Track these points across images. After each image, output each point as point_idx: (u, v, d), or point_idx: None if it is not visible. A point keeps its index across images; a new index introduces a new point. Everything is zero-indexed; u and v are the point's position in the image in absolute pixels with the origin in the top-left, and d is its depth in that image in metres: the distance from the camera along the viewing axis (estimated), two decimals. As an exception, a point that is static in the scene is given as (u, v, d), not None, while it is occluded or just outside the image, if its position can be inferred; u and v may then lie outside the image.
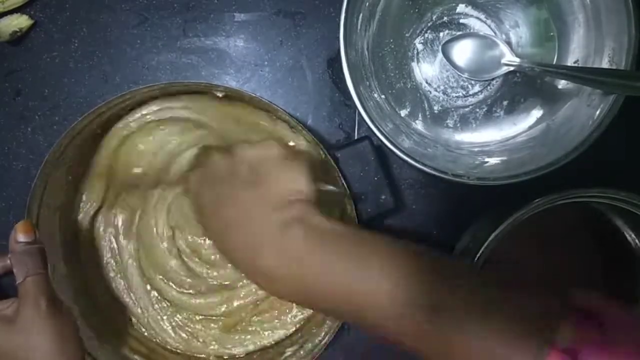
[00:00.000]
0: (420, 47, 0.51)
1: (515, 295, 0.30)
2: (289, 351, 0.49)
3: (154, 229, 0.51)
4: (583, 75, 0.42)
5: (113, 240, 0.51)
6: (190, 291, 0.51)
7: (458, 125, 0.51)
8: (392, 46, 0.51)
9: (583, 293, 0.29)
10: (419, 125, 0.51)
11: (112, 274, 0.52)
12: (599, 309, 0.28)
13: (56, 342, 0.39)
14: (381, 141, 0.43)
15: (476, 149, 0.50)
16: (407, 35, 0.51)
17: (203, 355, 0.51)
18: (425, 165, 0.43)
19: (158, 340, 0.51)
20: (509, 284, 0.32)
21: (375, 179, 0.47)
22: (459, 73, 0.50)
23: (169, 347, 0.51)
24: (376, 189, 0.47)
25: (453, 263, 0.37)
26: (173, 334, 0.51)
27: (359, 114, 0.44)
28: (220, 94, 0.47)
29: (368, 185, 0.47)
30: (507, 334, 0.28)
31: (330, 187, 0.41)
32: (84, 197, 0.51)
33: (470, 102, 0.51)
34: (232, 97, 0.49)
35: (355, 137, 0.52)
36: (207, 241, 0.51)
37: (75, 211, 0.51)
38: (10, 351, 0.39)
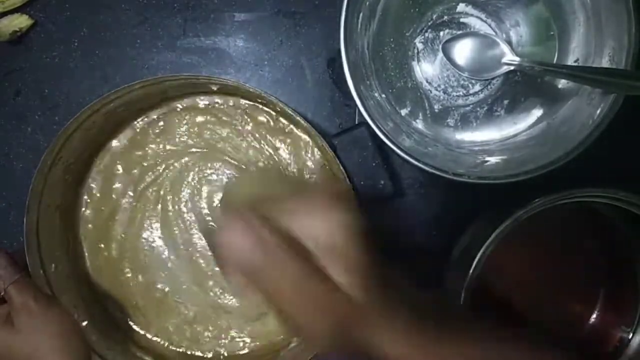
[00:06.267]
0: (420, 46, 0.51)
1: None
2: (295, 341, 0.50)
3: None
4: (583, 74, 0.42)
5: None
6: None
7: (459, 124, 0.51)
8: (393, 45, 0.51)
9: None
10: (419, 124, 0.51)
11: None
12: None
13: (56, 339, 0.40)
14: (382, 140, 0.43)
15: (477, 148, 0.50)
16: (407, 34, 0.51)
17: (210, 355, 0.51)
18: (426, 164, 0.43)
19: (161, 339, 0.52)
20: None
21: (374, 164, 0.47)
22: (459, 72, 0.50)
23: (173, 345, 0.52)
24: (375, 174, 0.47)
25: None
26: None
27: (359, 112, 0.43)
28: (215, 87, 0.47)
29: (367, 171, 0.47)
30: None
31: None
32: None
33: (470, 101, 0.51)
34: (228, 93, 0.49)
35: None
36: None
37: (77, 210, 0.51)
38: (15, 354, 0.39)
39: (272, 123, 0.51)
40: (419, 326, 0.29)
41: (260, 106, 0.51)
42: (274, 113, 0.51)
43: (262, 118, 0.51)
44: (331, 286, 0.26)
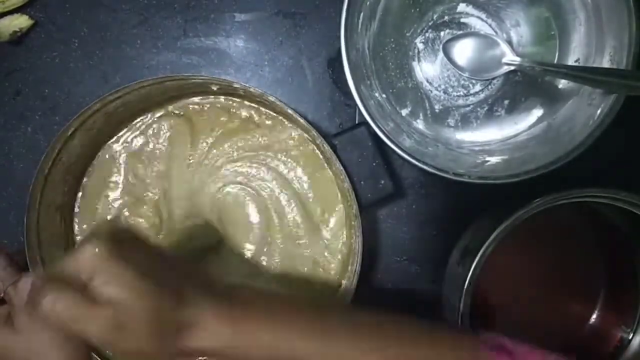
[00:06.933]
0: (421, 46, 0.51)
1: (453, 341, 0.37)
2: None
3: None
4: (584, 74, 0.42)
5: None
6: None
7: (459, 124, 0.51)
8: (393, 45, 0.51)
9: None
10: (420, 124, 0.51)
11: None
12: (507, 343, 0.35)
13: (56, 339, 0.40)
14: (382, 140, 0.43)
15: (477, 148, 0.50)
16: (407, 34, 0.51)
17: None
18: (426, 164, 0.43)
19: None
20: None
21: (374, 164, 0.47)
22: (459, 72, 0.50)
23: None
24: (375, 174, 0.47)
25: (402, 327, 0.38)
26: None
27: (359, 112, 0.43)
28: (215, 88, 0.47)
29: (367, 171, 0.47)
30: None
31: None
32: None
33: (471, 101, 0.51)
34: (228, 93, 0.49)
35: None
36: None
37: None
38: (15, 354, 0.39)
39: (271, 123, 0.51)
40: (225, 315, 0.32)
41: (260, 106, 0.51)
42: (273, 113, 0.51)
43: (262, 118, 0.51)
44: (87, 297, 0.30)
